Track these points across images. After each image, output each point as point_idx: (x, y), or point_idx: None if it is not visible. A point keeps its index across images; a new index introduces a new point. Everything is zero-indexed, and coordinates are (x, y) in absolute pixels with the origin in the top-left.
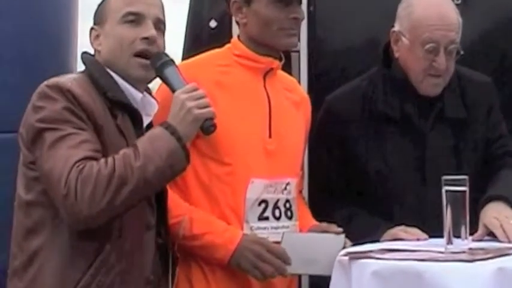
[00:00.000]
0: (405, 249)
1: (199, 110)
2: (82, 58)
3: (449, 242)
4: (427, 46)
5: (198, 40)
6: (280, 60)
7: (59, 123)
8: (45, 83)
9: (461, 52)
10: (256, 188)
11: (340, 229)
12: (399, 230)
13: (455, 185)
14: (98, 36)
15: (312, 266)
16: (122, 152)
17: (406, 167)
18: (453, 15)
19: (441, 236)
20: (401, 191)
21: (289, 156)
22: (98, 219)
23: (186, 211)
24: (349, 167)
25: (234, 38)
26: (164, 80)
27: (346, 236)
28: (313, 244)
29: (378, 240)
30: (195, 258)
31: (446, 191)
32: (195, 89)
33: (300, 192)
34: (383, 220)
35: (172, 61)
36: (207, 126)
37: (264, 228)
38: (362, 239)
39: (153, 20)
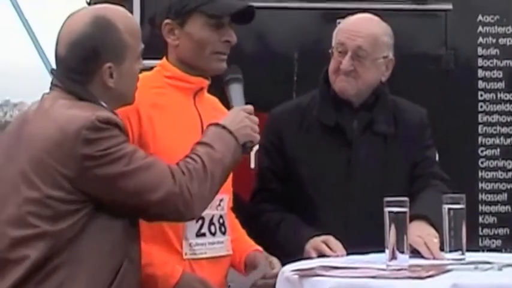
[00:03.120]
0: (345, 267)
1: (251, 131)
2: (77, 89)
3: (393, 258)
4: (338, 48)
5: None
6: (208, 80)
7: (123, 143)
8: (94, 117)
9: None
10: None
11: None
12: (322, 243)
13: (396, 206)
14: (110, 69)
15: None
16: (199, 148)
17: (335, 171)
18: (367, 27)
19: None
20: (329, 194)
21: None
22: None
23: None
24: (286, 172)
25: (163, 61)
26: (228, 91)
27: (275, 240)
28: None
29: (303, 246)
30: None
31: (389, 212)
32: (252, 113)
33: (231, 209)
34: (308, 227)
35: (240, 79)
36: (248, 147)
37: (202, 244)
38: (288, 243)
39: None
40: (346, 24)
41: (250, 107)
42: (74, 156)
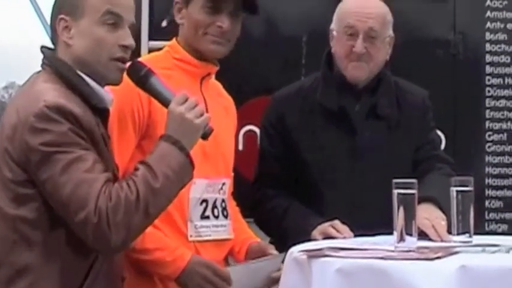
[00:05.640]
0: (353, 248)
1: (198, 119)
2: (48, 57)
3: (401, 240)
4: (347, 31)
5: None
6: (216, 66)
7: (67, 145)
8: (43, 103)
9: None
10: (198, 188)
11: (276, 252)
12: (329, 227)
13: (405, 188)
14: (67, 27)
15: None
16: (139, 173)
17: (339, 155)
18: (374, 7)
19: (367, 227)
20: (333, 178)
21: (223, 158)
22: (128, 243)
23: None
24: (288, 157)
25: (173, 41)
26: (151, 92)
27: (281, 228)
28: (256, 270)
29: (309, 234)
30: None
31: (398, 193)
32: (187, 98)
33: (232, 194)
34: (315, 215)
35: (152, 70)
36: (206, 132)
37: (207, 226)
38: (294, 231)
39: (129, 25)
40: (351, 6)
41: (182, 96)
42: (22, 143)
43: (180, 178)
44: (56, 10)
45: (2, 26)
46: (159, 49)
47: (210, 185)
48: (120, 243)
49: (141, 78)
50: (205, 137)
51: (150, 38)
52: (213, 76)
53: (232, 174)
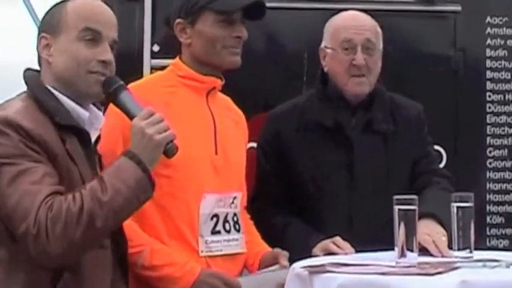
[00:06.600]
0: (355, 263)
1: (159, 135)
2: (25, 77)
3: (402, 256)
4: (345, 45)
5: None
6: (221, 80)
7: (15, 157)
8: None
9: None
10: (208, 203)
11: (287, 263)
12: (330, 243)
13: (406, 204)
14: (48, 45)
15: None
16: (88, 186)
17: (337, 173)
18: (366, 20)
19: (368, 243)
20: (332, 195)
21: (234, 171)
22: (70, 256)
23: (146, 242)
24: (286, 174)
25: (176, 60)
26: (119, 107)
27: (281, 245)
28: (267, 280)
29: (310, 251)
30: None
31: (399, 209)
32: (152, 114)
33: (245, 208)
34: (315, 230)
35: (124, 86)
36: (169, 149)
37: (218, 241)
38: (295, 248)
39: (110, 41)
40: (344, 21)
41: (146, 112)
42: None
43: (135, 193)
44: (39, 30)
45: (4, 46)
46: (162, 68)
47: (221, 199)
48: (61, 255)
49: (111, 93)
50: (168, 154)
51: (152, 57)
52: (218, 91)
53: (245, 187)
